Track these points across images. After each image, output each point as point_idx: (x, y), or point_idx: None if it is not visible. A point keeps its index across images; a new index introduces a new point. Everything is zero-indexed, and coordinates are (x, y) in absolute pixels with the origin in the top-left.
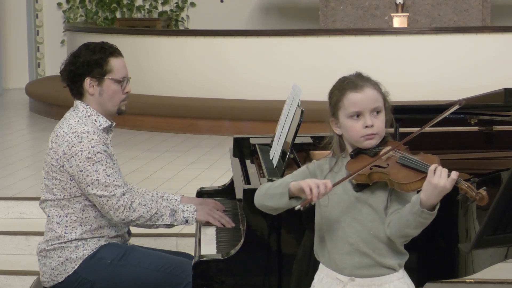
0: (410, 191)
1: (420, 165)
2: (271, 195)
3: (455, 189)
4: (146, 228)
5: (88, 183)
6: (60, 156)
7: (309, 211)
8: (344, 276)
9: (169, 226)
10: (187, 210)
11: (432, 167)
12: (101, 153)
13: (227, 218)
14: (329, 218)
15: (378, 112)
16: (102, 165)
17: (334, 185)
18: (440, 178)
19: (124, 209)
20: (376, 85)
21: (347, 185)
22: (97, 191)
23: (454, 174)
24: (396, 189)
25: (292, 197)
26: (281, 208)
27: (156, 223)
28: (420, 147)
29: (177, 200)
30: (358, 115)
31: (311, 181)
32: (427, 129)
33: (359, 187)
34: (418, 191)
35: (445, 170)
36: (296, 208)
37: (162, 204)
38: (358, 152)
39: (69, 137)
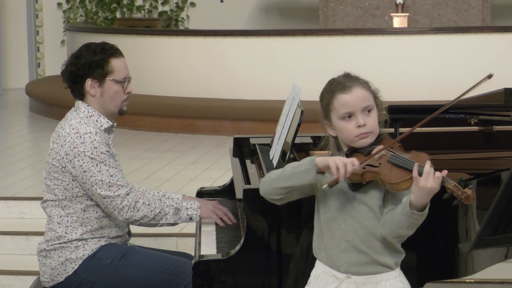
0: (400, 190)
1: (410, 164)
2: (289, 174)
3: (443, 188)
4: (150, 227)
5: (92, 183)
6: (62, 157)
7: (308, 209)
8: (341, 273)
9: (173, 224)
10: (190, 208)
11: (415, 171)
12: (104, 154)
13: (230, 214)
14: (326, 215)
15: (369, 111)
16: (105, 165)
17: (361, 163)
18: (427, 180)
19: (129, 209)
20: (365, 84)
21: (344, 183)
22: (101, 191)
23: (439, 175)
24: (388, 189)
25: (318, 172)
26: (299, 187)
27: (160, 222)
28: (420, 147)
29: (179, 199)
30: (350, 115)
31: (338, 159)
32: (427, 129)
33: (354, 186)
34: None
35: (431, 172)
36: (324, 187)
37: (165, 203)
38: (353, 151)
39: (71, 138)
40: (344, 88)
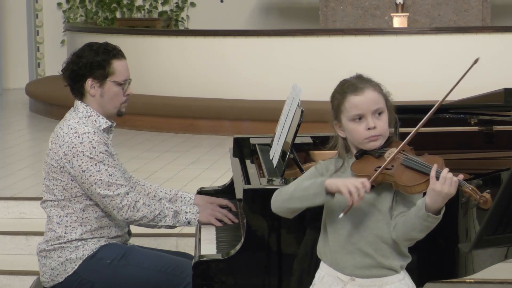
0: (414, 193)
1: (424, 167)
2: (299, 197)
3: (459, 191)
4: (148, 228)
5: (92, 183)
6: (61, 157)
7: (312, 210)
8: (345, 276)
9: (171, 227)
10: (189, 212)
11: (433, 173)
12: (102, 153)
13: (230, 215)
14: (333, 217)
15: (380, 113)
16: (104, 164)
17: (371, 182)
18: (443, 185)
19: (128, 209)
20: (377, 87)
21: None
22: (101, 190)
23: (456, 179)
24: (401, 191)
25: (328, 193)
26: (307, 207)
27: (159, 224)
28: (421, 147)
29: (191, 199)
30: (360, 117)
31: (350, 183)
32: (428, 129)
33: None
34: (423, 193)
35: (449, 177)
36: (340, 216)
37: (165, 205)
38: (363, 153)
39: (70, 138)
40: (356, 89)
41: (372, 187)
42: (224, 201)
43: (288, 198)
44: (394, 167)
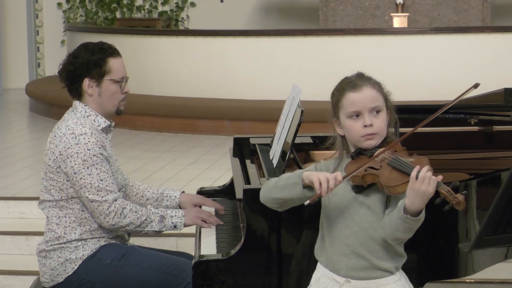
0: (396, 193)
1: (407, 167)
2: (282, 186)
3: (436, 192)
4: (134, 233)
5: (81, 185)
6: (57, 157)
7: (310, 210)
8: (340, 277)
9: (158, 232)
10: (175, 216)
11: (414, 172)
12: (96, 156)
13: (214, 217)
14: (328, 218)
15: (378, 112)
16: (96, 168)
17: (344, 178)
18: (421, 184)
19: (115, 215)
20: (376, 85)
21: (347, 186)
22: (89, 195)
23: (434, 178)
24: (386, 191)
25: (305, 186)
26: (290, 199)
27: (145, 229)
28: (420, 147)
29: (176, 197)
30: (358, 114)
31: (322, 174)
32: (427, 129)
33: (357, 188)
34: None
35: (428, 176)
36: (306, 203)
37: (151, 210)
38: (358, 153)
39: (66, 138)
40: (354, 86)
41: (362, 187)
42: (209, 202)
43: (273, 186)
44: (382, 167)
